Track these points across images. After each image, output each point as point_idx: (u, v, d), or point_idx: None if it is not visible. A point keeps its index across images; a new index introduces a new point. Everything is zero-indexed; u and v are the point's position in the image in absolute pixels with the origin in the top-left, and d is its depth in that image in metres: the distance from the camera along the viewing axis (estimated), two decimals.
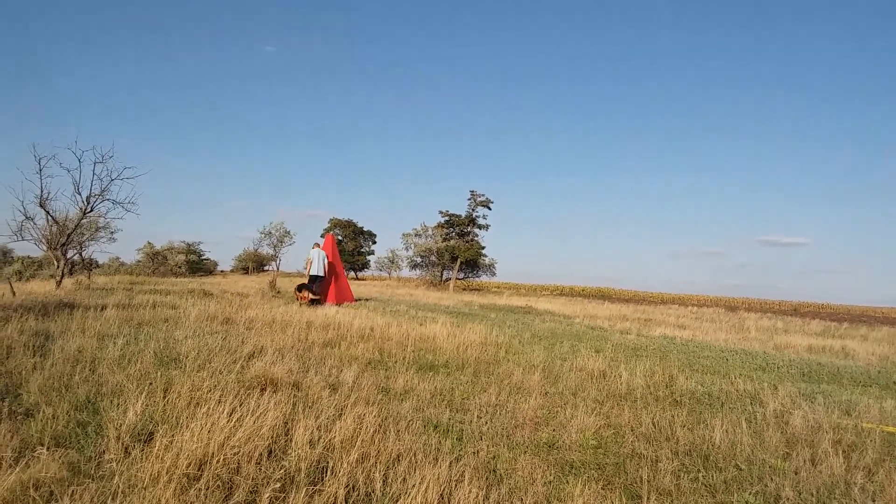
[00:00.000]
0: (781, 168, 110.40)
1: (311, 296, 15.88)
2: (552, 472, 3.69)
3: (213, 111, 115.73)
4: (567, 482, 3.49)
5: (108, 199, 16.89)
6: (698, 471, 3.87)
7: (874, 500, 3.41)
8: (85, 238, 27.75)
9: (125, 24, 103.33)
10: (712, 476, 3.77)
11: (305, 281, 16.31)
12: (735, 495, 3.49)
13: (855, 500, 3.39)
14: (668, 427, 4.78)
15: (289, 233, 61.31)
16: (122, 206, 17.13)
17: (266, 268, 63.17)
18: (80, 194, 16.51)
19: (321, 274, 16.32)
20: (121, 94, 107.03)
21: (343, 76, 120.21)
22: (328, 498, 2.87)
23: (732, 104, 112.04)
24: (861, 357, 12.52)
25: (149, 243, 53.25)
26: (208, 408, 3.75)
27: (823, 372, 8.99)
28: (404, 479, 3.15)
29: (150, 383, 4.63)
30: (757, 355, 10.81)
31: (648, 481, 3.59)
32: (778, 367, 9.15)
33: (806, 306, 62.75)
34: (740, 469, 3.94)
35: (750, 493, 3.51)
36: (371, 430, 3.82)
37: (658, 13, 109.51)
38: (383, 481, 3.15)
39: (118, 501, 2.65)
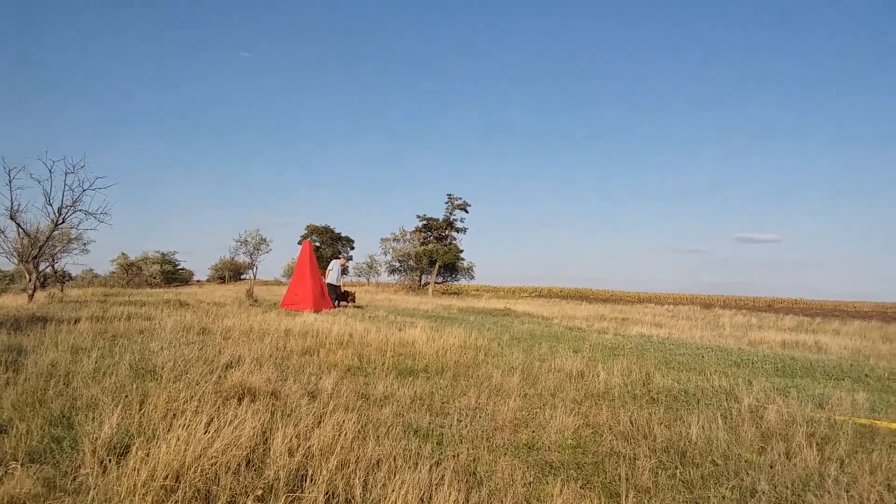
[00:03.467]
0: (755, 165, 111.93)
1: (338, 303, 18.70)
2: (532, 472, 3.71)
3: (187, 119, 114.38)
4: (546, 482, 3.51)
5: (80, 210, 16.70)
6: (675, 467, 3.92)
7: (847, 491, 3.47)
8: (57, 250, 27.29)
9: (98, 30, 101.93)
10: (689, 472, 3.82)
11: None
12: (712, 490, 3.53)
13: (829, 492, 3.45)
14: (645, 425, 4.83)
15: (265, 240, 60.65)
16: (95, 217, 16.96)
17: (243, 276, 62.70)
18: (51, 205, 16.30)
19: (333, 283, 18.85)
20: (91, 102, 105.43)
21: (318, 81, 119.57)
22: None
23: (708, 101, 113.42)
24: (834, 351, 12.75)
25: (123, 254, 52.67)
26: (185, 419, 3.72)
27: (797, 366, 9.13)
28: (384, 484, 3.15)
29: (126, 396, 4.58)
30: (732, 351, 10.95)
31: (627, 479, 3.63)
32: (752, 363, 9.28)
33: (780, 302, 63.77)
34: (716, 464, 4.00)
35: (726, 488, 3.56)
36: (350, 437, 3.82)
37: (638, 8, 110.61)
38: (363, 487, 3.14)
39: None
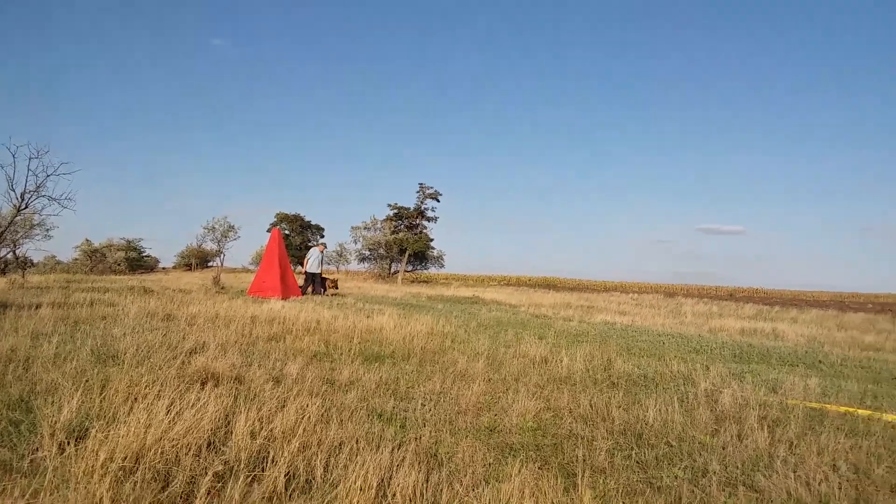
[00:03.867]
0: (720, 158, 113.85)
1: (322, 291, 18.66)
2: (492, 454, 3.78)
3: (155, 104, 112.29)
4: (506, 463, 3.58)
5: (43, 196, 16.38)
6: (631, 448, 4.02)
7: (795, 471, 3.59)
8: (19, 236, 26.76)
9: (64, 16, 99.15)
10: (644, 453, 3.92)
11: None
12: (665, 470, 3.64)
13: (777, 472, 3.57)
14: (604, 408, 4.93)
15: (233, 227, 60.15)
16: (59, 203, 16.66)
17: (210, 264, 61.91)
18: (13, 191, 16.00)
19: (313, 271, 18.83)
20: (59, 87, 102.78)
21: (289, 69, 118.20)
22: (268, 485, 2.89)
23: (674, 96, 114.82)
24: (790, 338, 13.10)
25: (86, 241, 51.59)
26: (146, 402, 3.72)
27: (754, 353, 9.37)
28: (345, 465, 3.19)
29: (87, 380, 4.54)
30: (692, 338, 11.19)
31: (584, 460, 3.72)
32: (711, 349, 9.49)
33: (741, 291, 65.08)
34: (671, 446, 4.11)
35: (679, 468, 3.67)
36: (314, 421, 3.84)
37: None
38: (324, 468, 3.18)
39: (51, 496, 2.63)
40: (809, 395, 5.95)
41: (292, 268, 19.11)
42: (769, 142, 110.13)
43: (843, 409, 5.38)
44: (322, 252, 19.38)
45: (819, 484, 3.43)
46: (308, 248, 60.89)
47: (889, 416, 5.14)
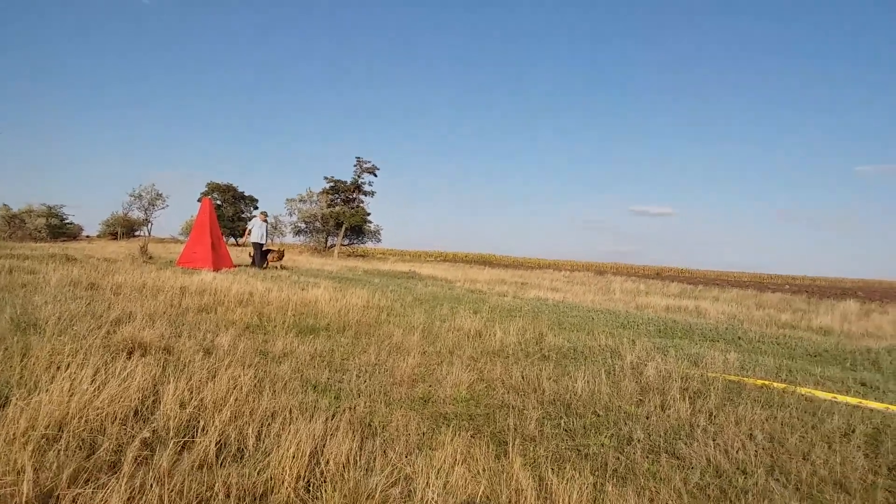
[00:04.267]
0: (651, 141, 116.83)
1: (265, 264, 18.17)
2: (426, 423, 3.84)
3: (80, 63, 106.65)
4: (440, 432, 3.64)
5: None
6: (561, 418, 4.16)
7: (714, 440, 3.78)
8: None
9: None
10: (573, 422, 4.06)
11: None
12: (592, 438, 3.78)
13: (697, 440, 3.75)
14: (535, 380, 5.07)
15: (161, 195, 58.16)
16: None
17: (137, 233, 59.76)
18: None
19: (257, 241, 18.04)
20: None
21: (227, 31, 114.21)
22: (198, 454, 2.85)
23: (611, 81, 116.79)
24: (712, 315, 13.69)
25: (4, 206, 48.85)
26: (70, 371, 3.59)
27: (677, 328, 9.76)
28: (278, 434, 3.18)
29: (6, 349, 4.33)
30: (620, 314, 11.56)
31: (515, 428, 3.83)
32: (637, 325, 9.84)
33: (668, 270, 67.43)
34: (598, 415, 4.27)
35: (605, 436, 3.82)
36: (246, 391, 3.81)
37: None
38: (256, 437, 3.16)
39: None
40: (729, 369, 6.24)
41: (224, 239, 18.56)
42: (699, 126, 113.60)
43: (759, 382, 5.67)
44: (264, 221, 18.45)
45: (737, 452, 3.63)
46: (243, 218, 59.69)
47: (803, 390, 5.45)
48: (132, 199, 57.19)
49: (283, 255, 19.58)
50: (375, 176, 52.32)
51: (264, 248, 18.59)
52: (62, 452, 2.64)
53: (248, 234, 18.20)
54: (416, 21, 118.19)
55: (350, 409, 3.90)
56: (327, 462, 2.92)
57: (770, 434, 4.02)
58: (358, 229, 53.33)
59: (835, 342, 9.53)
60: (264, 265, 18.20)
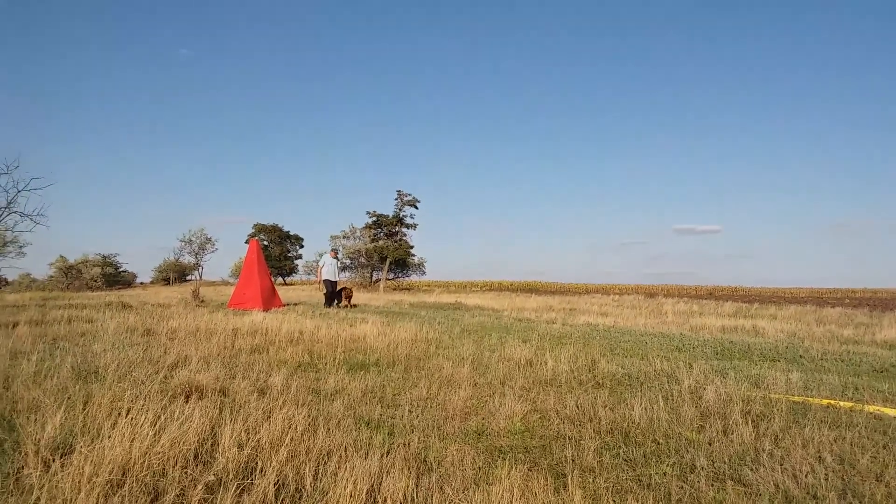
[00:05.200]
0: (694, 158, 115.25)
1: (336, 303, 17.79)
2: (481, 457, 3.79)
3: (124, 116, 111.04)
4: (495, 466, 3.59)
5: (14, 212, 16.13)
6: (619, 447, 4.05)
7: (781, 464, 3.64)
8: None
9: (25, 21, 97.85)
10: (632, 451, 3.96)
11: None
12: (654, 468, 3.67)
13: (763, 465, 3.61)
14: (590, 408, 4.96)
15: (210, 239, 59.90)
16: (31, 219, 16.45)
17: (189, 277, 61.40)
18: None
19: (330, 279, 17.80)
20: (23, 98, 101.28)
21: (258, 78, 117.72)
22: (257, 495, 2.87)
23: (649, 97, 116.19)
24: (770, 334, 13.25)
25: (61, 257, 50.88)
26: (130, 417, 3.67)
27: (735, 349, 9.47)
28: (334, 472, 3.18)
29: (69, 397, 4.47)
30: (674, 337, 11.28)
31: (573, 460, 3.74)
32: (693, 347, 9.58)
33: (720, 290, 65.89)
34: (658, 443, 4.15)
35: (667, 465, 3.70)
36: (300, 430, 3.82)
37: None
38: (313, 476, 3.16)
39: None
40: (792, 389, 6.02)
41: (272, 279, 18.83)
42: (742, 140, 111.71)
43: (825, 401, 5.45)
44: (335, 258, 18.19)
45: (806, 476, 3.47)
46: (289, 257, 60.75)
47: (871, 407, 5.22)
48: (183, 244, 58.99)
49: (350, 296, 19.06)
50: (416, 208, 52.81)
51: (337, 288, 18.29)
52: (126, 498, 2.69)
53: (321, 271, 18.06)
54: (449, 52, 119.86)
55: (404, 444, 3.89)
56: (385, 500, 2.91)
57: (839, 455, 3.85)
58: (402, 262, 53.69)
59: None
60: (340, 305, 17.78)
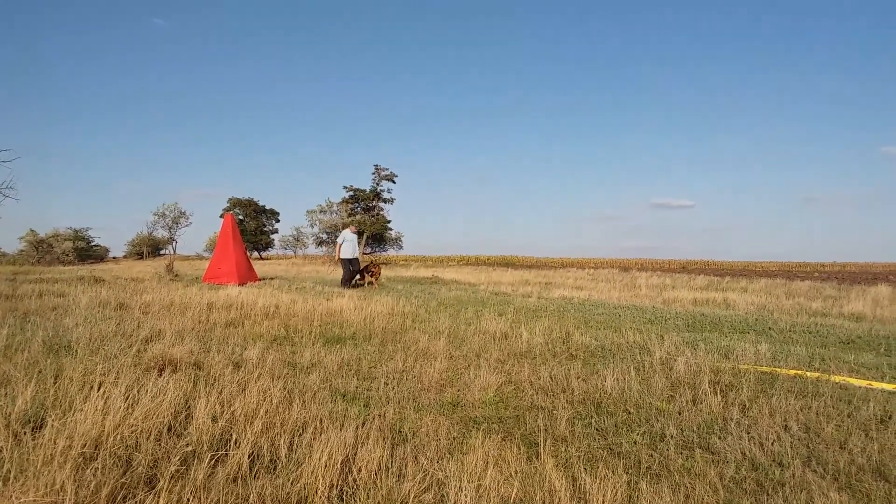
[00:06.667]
0: (669, 134, 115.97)
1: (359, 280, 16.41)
2: (456, 428, 3.83)
3: (97, 87, 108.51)
4: (470, 436, 3.63)
5: None
6: (591, 417, 4.12)
7: (748, 433, 3.73)
8: None
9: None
10: (604, 420, 4.03)
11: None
12: (624, 436, 3.74)
13: (731, 434, 3.71)
14: (564, 379, 5.04)
15: (184, 213, 58.81)
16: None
17: (162, 252, 60.61)
18: None
19: (348, 257, 16.08)
20: None
21: (236, 49, 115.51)
22: (232, 466, 2.88)
23: (623, 77, 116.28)
24: (741, 307, 13.49)
25: (31, 231, 49.85)
26: (103, 390, 3.64)
27: (706, 322, 9.63)
28: (310, 444, 3.20)
29: (40, 371, 4.44)
30: (646, 310, 11.44)
31: (545, 429, 3.81)
32: (665, 320, 9.73)
33: (693, 264, 66.74)
34: (629, 413, 4.23)
35: (637, 434, 3.78)
36: (276, 402, 3.83)
37: None
38: (288, 448, 3.18)
39: (11, 485, 2.57)
40: (760, 360, 6.15)
41: (248, 253, 18.65)
42: (715, 116, 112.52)
43: (792, 372, 5.58)
44: (355, 233, 16.38)
45: (772, 444, 3.57)
46: (265, 232, 60.24)
47: (837, 378, 5.36)
48: (156, 218, 57.88)
49: (378, 273, 16.94)
50: (394, 183, 52.42)
51: (357, 265, 16.57)
52: (99, 470, 2.68)
53: (339, 249, 16.15)
54: (427, 26, 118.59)
55: (380, 416, 3.92)
56: (359, 470, 2.94)
57: (805, 424, 3.96)
58: (379, 237, 53.47)
59: (867, 328, 9.33)
60: (361, 283, 16.35)
